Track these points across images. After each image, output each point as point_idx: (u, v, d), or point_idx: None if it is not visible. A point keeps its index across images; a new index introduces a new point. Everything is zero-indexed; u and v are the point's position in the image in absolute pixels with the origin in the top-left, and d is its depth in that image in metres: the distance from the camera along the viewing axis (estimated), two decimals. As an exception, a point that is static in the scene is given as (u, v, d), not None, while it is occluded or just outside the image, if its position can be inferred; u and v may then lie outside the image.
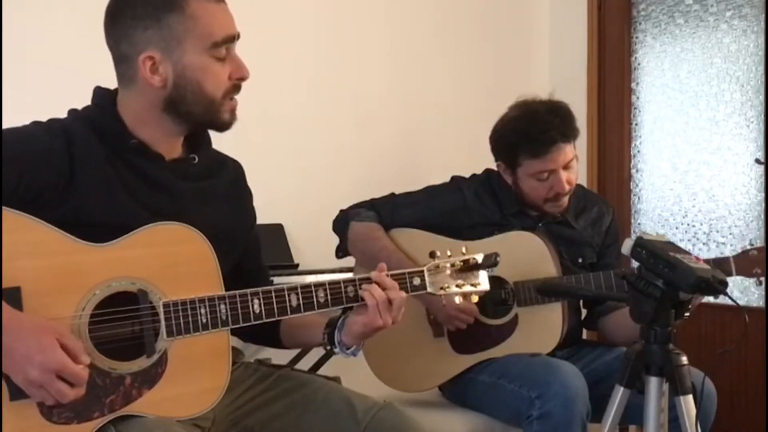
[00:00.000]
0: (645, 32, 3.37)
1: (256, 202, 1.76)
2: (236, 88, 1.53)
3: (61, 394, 1.27)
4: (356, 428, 1.55)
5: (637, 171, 3.41)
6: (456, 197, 2.31)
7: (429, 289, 1.64)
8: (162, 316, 1.41)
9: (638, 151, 3.40)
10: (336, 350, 1.62)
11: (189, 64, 1.47)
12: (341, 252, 2.33)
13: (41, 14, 2.42)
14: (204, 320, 1.44)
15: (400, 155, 3.19)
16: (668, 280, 1.47)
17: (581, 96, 3.43)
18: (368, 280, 1.57)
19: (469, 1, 3.43)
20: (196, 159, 1.59)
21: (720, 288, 1.43)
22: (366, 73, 3.13)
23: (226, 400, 1.52)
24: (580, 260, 2.30)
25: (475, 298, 1.70)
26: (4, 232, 1.32)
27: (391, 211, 2.29)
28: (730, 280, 1.66)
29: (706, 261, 1.58)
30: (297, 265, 2.68)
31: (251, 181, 1.75)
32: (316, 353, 2.58)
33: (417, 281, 1.63)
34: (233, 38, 1.51)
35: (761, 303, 2.96)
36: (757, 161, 2.98)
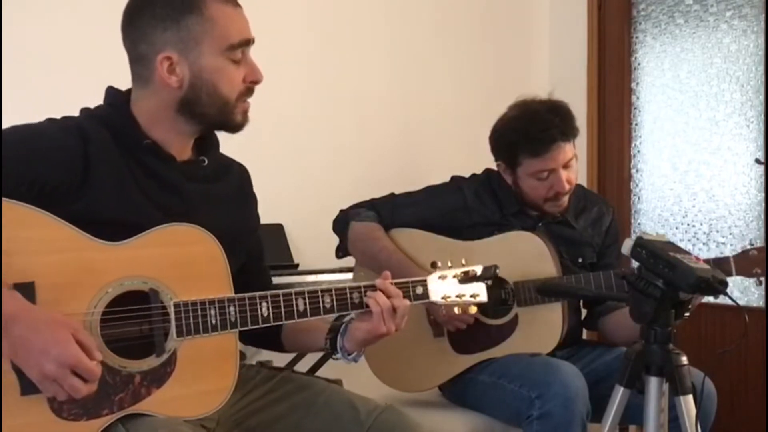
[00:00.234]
0: (645, 32, 3.37)
1: (256, 202, 1.77)
2: (249, 91, 1.56)
3: (74, 389, 1.28)
4: (359, 430, 1.56)
5: (637, 171, 3.41)
6: (456, 197, 2.31)
7: (432, 298, 1.67)
8: (172, 316, 1.42)
9: (638, 151, 3.40)
10: (337, 356, 1.63)
11: (205, 65, 1.49)
12: (341, 252, 2.33)
13: (41, 14, 2.42)
14: (213, 321, 1.45)
15: (400, 155, 3.19)
16: (668, 280, 1.47)
17: (581, 96, 3.44)
18: (373, 288, 1.59)
19: (469, 1, 3.43)
20: (206, 161, 1.61)
21: (720, 288, 1.43)
22: (366, 73, 3.13)
23: (230, 401, 1.52)
24: (580, 260, 2.30)
25: (473, 309, 1.73)
26: (19, 227, 1.33)
27: (391, 211, 2.29)
28: (730, 280, 1.66)
29: (706, 261, 1.58)
30: (297, 265, 2.68)
31: (251, 181, 1.76)
32: (316, 354, 2.58)
33: (420, 290, 1.66)
34: (249, 42, 1.54)
35: (761, 303, 2.96)
36: (757, 161, 2.98)
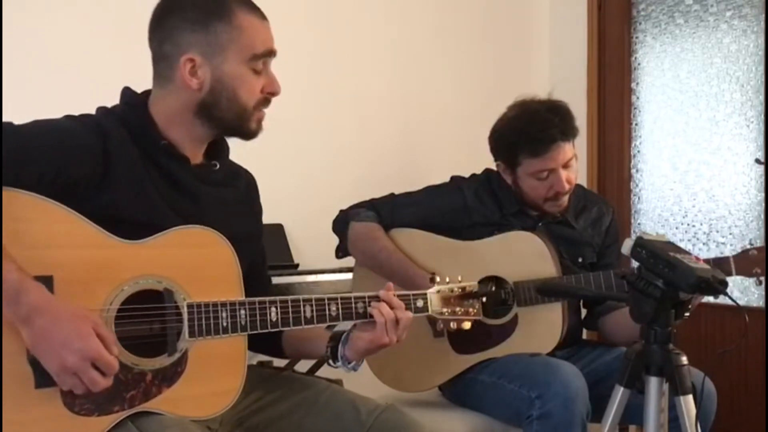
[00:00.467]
0: (645, 32, 3.38)
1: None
2: (266, 102, 1.59)
3: (93, 383, 1.29)
4: (360, 430, 1.57)
5: (637, 171, 3.41)
6: (456, 197, 2.31)
7: (431, 311, 1.74)
8: (185, 317, 1.44)
9: (638, 151, 3.40)
10: (338, 364, 1.65)
11: (228, 71, 1.52)
12: (341, 252, 2.33)
13: (41, 14, 2.42)
14: (225, 324, 1.47)
15: (400, 155, 3.20)
16: (668, 280, 1.47)
17: (581, 96, 3.44)
18: (377, 298, 1.62)
19: (469, 1, 3.43)
20: (218, 165, 1.62)
21: (720, 288, 1.43)
22: (366, 73, 3.13)
23: (233, 401, 1.54)
24: (580, 260, 2.31)
25: (467, 325, 1.81)
26: (40, 221, 1.35)
27: (391, 211, 2.29)
28: (730, 280, 1.66)
29: (706, 261, 1.58)
30: (297, 265, 2.68)
31: (251, 181, 1.76)
32: (316, 354, 2.58)
33: (420, 303, 1.73)
34: (272, 53, 1.58)
35: (761, 303, 2.96)
36: (757, 161, 2.98)
